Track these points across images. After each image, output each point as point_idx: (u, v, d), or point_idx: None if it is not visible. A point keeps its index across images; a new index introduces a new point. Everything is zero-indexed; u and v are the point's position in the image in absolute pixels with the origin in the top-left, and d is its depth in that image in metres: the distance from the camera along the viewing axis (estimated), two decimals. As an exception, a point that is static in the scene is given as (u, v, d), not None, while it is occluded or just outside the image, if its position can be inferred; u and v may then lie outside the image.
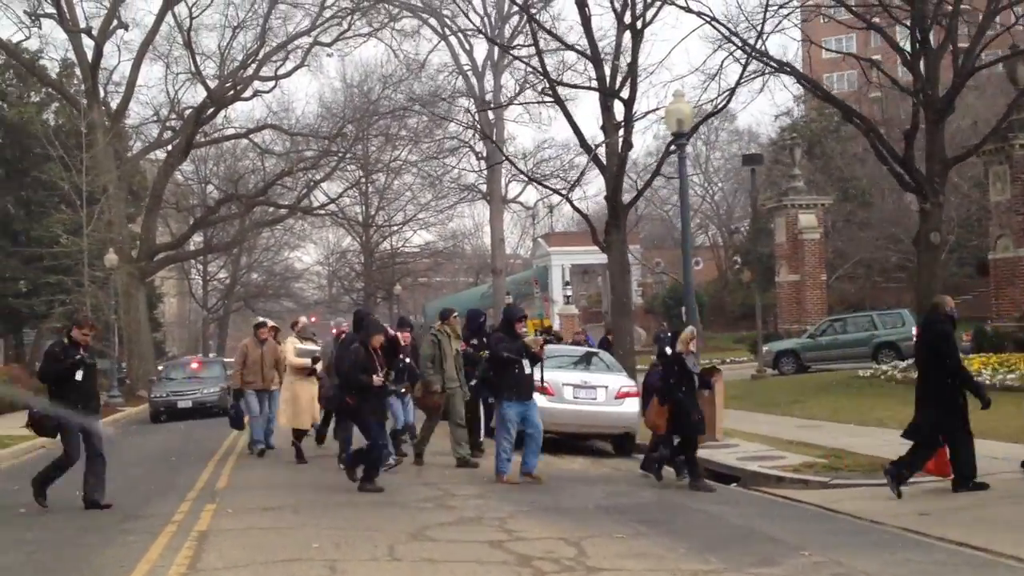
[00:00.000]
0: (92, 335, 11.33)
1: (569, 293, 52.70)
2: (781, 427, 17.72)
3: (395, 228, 58.94)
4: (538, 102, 34.70)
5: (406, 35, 45.59)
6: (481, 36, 42.99)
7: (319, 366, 14.99)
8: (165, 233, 51.48)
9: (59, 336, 11.04)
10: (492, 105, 42.30)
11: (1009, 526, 9.12)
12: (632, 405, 15.71)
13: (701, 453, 15.00)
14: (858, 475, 12.27)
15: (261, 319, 17.78)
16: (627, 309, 23.52)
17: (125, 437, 21.58)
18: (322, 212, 51.69)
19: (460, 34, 45.71)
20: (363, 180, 53.38)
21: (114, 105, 41.76)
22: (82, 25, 39.91)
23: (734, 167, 60.65)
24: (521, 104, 40.17)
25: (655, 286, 61.56)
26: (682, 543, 8.44)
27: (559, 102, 24.01)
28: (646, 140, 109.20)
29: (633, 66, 21.84)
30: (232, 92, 42.83)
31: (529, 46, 27.20)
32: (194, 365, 31.54)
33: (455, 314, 14.70)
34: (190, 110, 42.52)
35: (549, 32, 26.54)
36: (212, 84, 41.38)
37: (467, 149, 48.58)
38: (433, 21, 45.51)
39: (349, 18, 42.59)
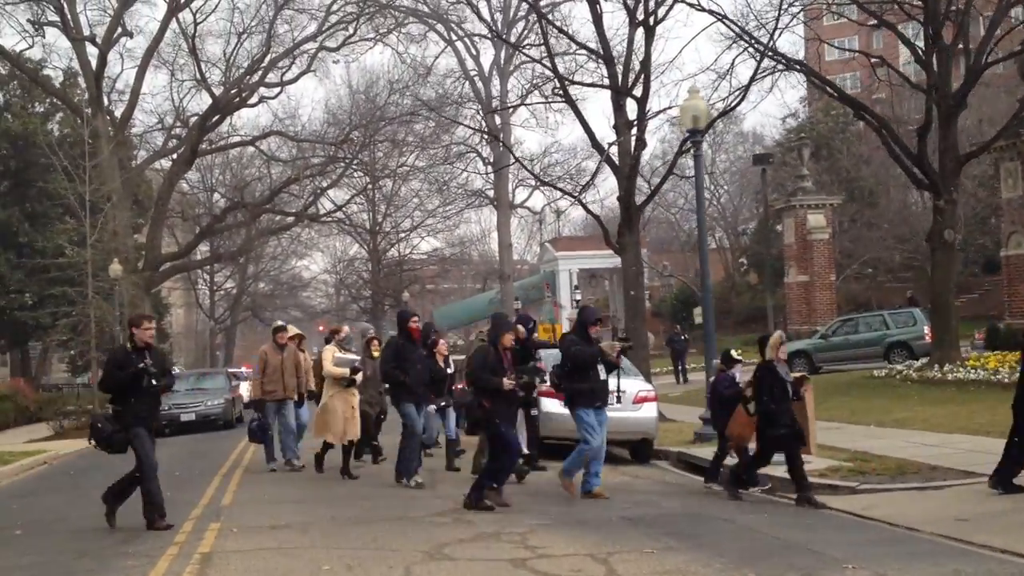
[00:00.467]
0: (153, 328, 10.44)
1: (579, 297, 52.34)
2: (800, 430, 17.27)
3: (402, 235, 58.74)
4: (546, 101, 34.29)
5: (413, 40, 45.39)
6: (488, 40, 42.76)
7: (359, 377, 14.05)
8: (171, 243, 51.17)
9: (121, 344, 10.05)
10: (500, 107, 41.97)
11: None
12: (650, 410, 15.36)
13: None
14: (886, 479, 11.83)
15: (281, 323, 16.66)
16: (641, 312, 23.21)
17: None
18: (329, 219, 51.38)
19: (467, 39, 45.50)
20: (370, 187, 53.08)
21: (118, 114, 41.47)
22: (86, 33, 39.60)
23: (740, 169, 60.39)
24: (528, 105, 39.80)
25: (662, 289, 61.18)
26: (717, 558, 7.96)
27: (570, 102, 23.65)
28: (652, 145, 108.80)
29: (646, 63, 21.53)
30: (238, 99, 42.52)
31: (539, 45, 26.85)
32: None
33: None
34: (195, 117, 42.22)
35: (560, 30, 26.19)
36: (217, 91, 41.08)
37: (474, 154, 48.37)
38: (440, 27, 45.23)
39: (355, 23, 42.30)
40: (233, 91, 41.98)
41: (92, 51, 39.43)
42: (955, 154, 23.22)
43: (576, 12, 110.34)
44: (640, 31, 21.76)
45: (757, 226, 53.53)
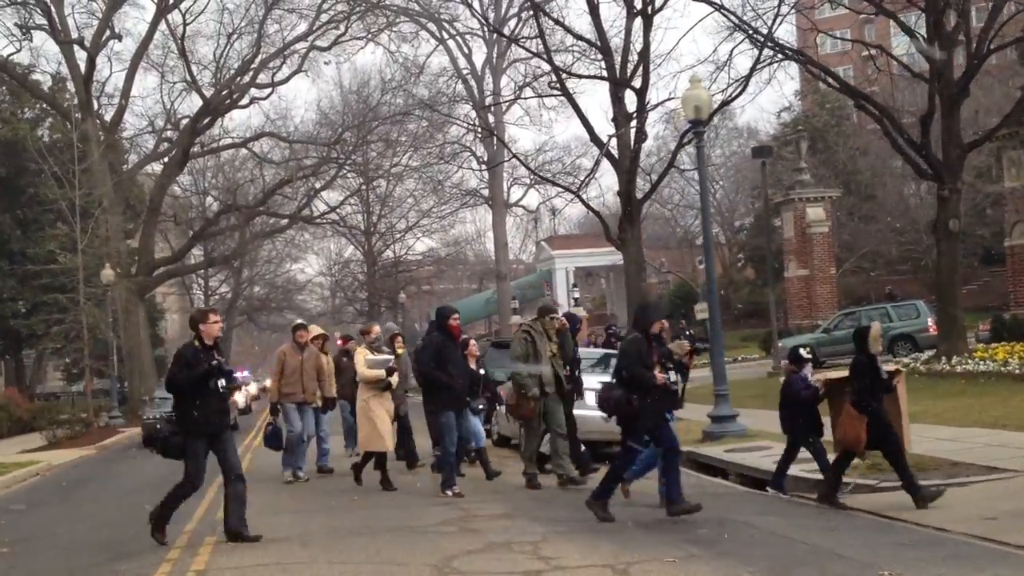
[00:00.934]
0: (221, 322, 9.72)
1: (577, 295, 51.95)
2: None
3: (397, 235, 58.36)
4: (540, 96, 33.96)
5: (404, 39, 45.02)
6: (480, 39, 42.43)
7: (394, 379, 13.07)
8: (165, 248, 50.71)
9: (187, 346, 9.28)
10: (493, 104, 41.65)
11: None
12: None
13: (730, 457, 14.27)
14: (906, 476, 11.39)
15: (300, 321, 15.73)
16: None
17: (123, 461, 20.71)
18: (323, 221, 51.00)
19: (459, 37, 45.15)
20: (364, 187, 52.69)
21: (108, 117, 41.07)
22: (74, 36, 39.26)
23: (735, 164, 60.01)
24: (522, 99, 39.44)
25: (659, 286, 60.86)
26: (743, 567, 7.49)
27: (567, 95, 23.28)
28: (647, 141, 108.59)
29: (645, 52, 21.22)
30: (229, 100, 42.15)
31: (535, 38, 26.50)
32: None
33: (553, 314, 13.08)
34: (186, 120, 41.80)
35: (556, 21, 25.84)
36: (208, 92, 40.73)
37: (468, 153, 48.01)
38: (432, 25, 44.86)
39: (346, 22, 41.92)
40: (224, 92, 41.60)
41: (81, 55, 39.18)
42: (959, 143, 22.88)
43: (572, 3, 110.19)
44: (638, 21, 21.46)
45: (754, 221, 53.19)
